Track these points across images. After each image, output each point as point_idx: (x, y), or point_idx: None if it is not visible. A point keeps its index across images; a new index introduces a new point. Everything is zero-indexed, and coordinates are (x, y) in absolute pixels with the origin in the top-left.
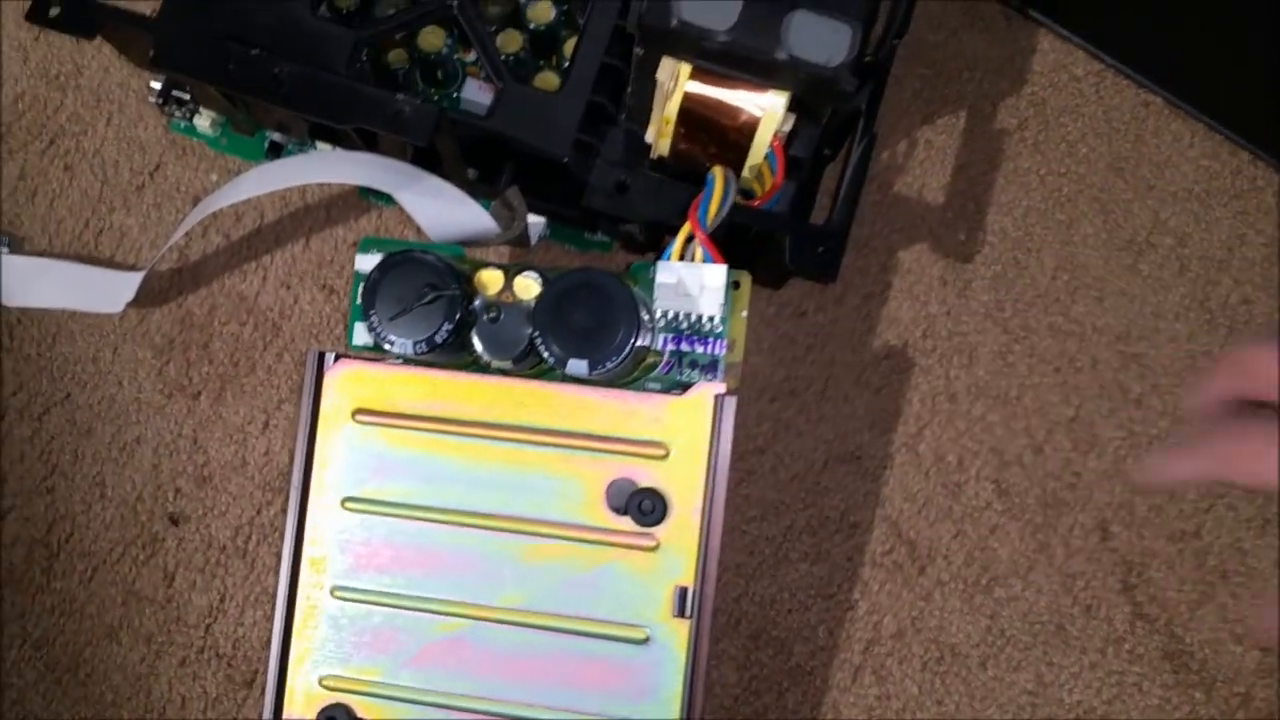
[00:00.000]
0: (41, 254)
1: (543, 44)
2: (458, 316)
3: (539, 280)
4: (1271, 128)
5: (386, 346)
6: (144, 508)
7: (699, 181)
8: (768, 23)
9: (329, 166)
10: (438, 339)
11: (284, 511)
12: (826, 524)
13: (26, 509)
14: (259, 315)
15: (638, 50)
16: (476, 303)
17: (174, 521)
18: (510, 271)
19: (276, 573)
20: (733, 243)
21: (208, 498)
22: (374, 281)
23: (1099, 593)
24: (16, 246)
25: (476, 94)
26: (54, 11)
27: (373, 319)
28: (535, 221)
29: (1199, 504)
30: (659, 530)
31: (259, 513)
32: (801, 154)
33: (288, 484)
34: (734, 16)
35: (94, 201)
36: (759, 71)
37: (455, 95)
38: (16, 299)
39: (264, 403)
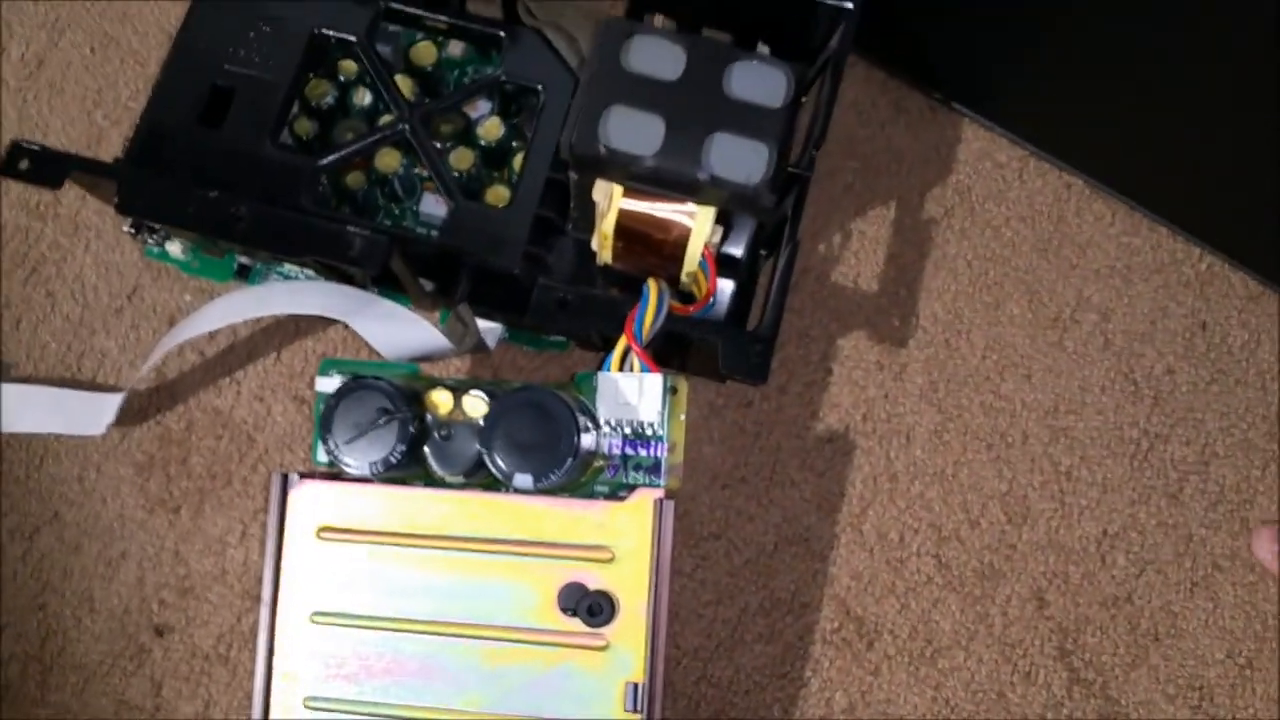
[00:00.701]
0: (27, 378)
1: (493, 158)
2: (409, 438)
3: (486, 399)
4: (1188, 204)
5: (345, 468)
6: (131, 620)
7: (639, 287)
8: (690, 145)
9: (286, 298)
10: (392, 460)
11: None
12: (779, 605)
13: (20, 625)
14: (234, 428)
15: (572, 174)
16: (428, 420)
17: (159, 632)
18: (459, 391)
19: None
20: (670, 344)
21: (190, 608)
22: (330, 409)
23: (1037, 659)
24: (5, 373)
25: (434, 207)
26: (23, 164)
27: (330, 443)
28: (493, 327)
29: (1129, 569)
30: (608, 630)
31: (239, 620)
32: (739, 253)
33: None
34: (658, 142)
35: (75, 325)
36: (685, 190)
37: (414, 209)
38: (5, 425)
39: (240, 514)
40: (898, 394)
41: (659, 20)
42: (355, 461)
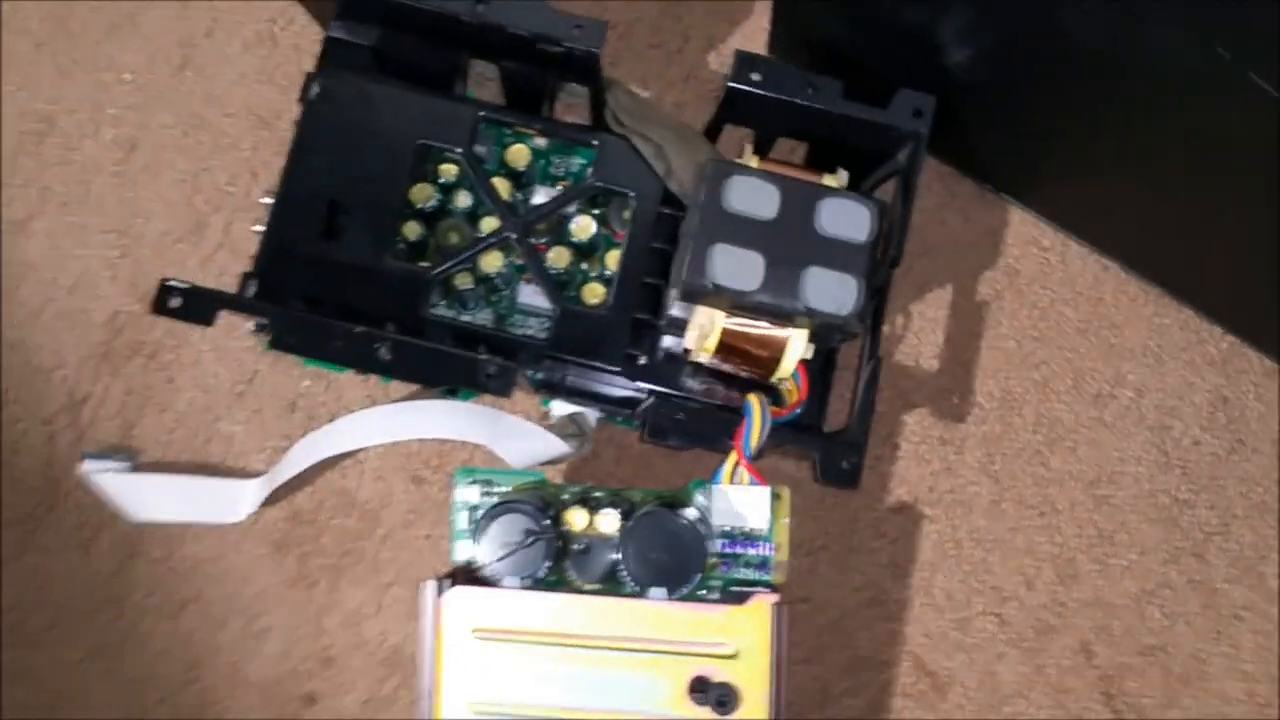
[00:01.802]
0: (157, 464)
1: (584, 254)
2: (554, 555)
3: (617, 515)
4: (1211, 289)
5: (496, 581)
6: (282, 689)
7: (734, 380)
8: (787, 280)
9: (419, 422)
10: (538, 574)
11: (402, 686)
12: (862, 662)
13: (175, 699)
14: (360, 508)
15: (677, 300)
16: (566, 534)
17: (310, 700)
18: (591, 506)
19: None
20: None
21: (335, 676)
22: (481, 528)
23: (1086, 704)
24: (135, 460)
25: (530, 296)
26: (174, 302)
27: (482, 560)
28: (590, 413)
29: (1163, 622)
30: (734, 718)
31: (380, 686)
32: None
33: (403, 663)
34: (760, 277)
35: (199, 411)
36: (782, 318)
37: (512, 299)
38: (142, 514)
39: (373, 588)
40: (959, 467)
41: (747, 150)
42: (507, 576)
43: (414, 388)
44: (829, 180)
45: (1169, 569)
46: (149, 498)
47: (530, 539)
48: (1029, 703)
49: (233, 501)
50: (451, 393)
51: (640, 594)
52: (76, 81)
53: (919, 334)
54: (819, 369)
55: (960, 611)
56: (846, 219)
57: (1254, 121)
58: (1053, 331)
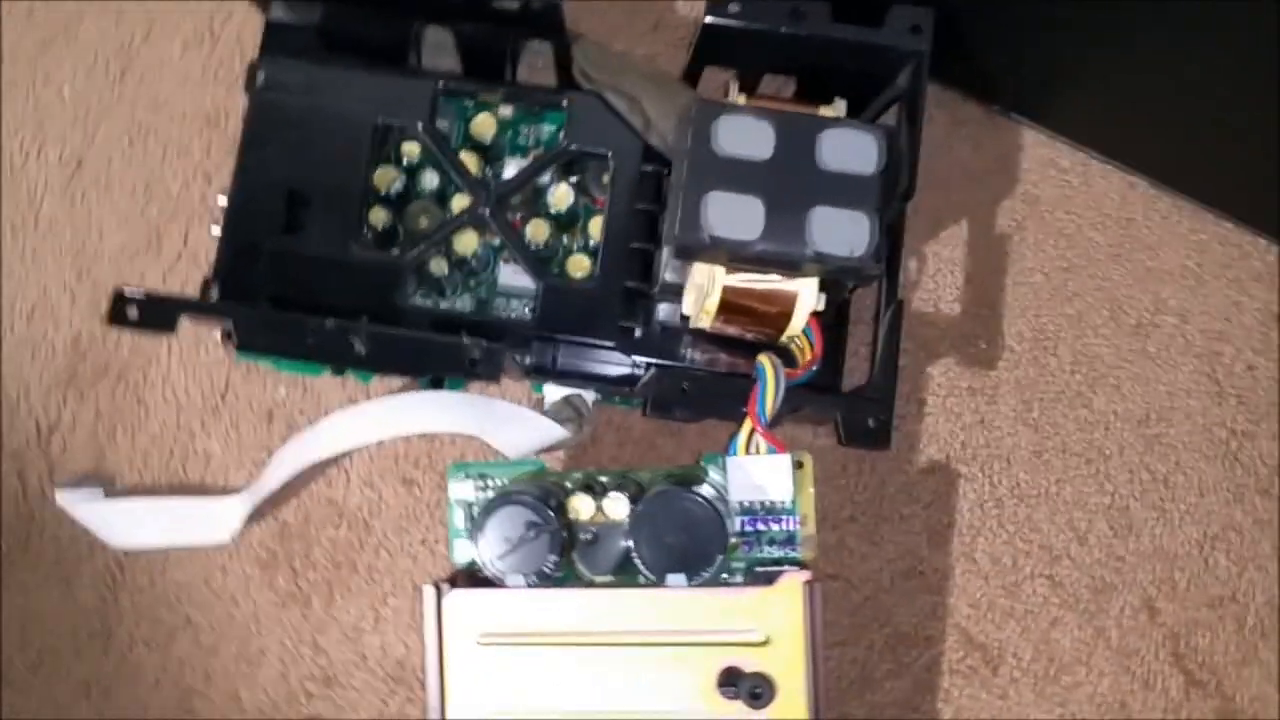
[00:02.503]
0: (134, 489)
1: (564, 225)
2: (560, 547)
3: (625, 498)
4: (1251, 197)
5: (500, 581)
6: (280, 714)
7: (739, 344)
8: (792, 224)
9: (408, 417)
10: (545, 569)
11: (409, 701)
12: (903, 640)
13: None
14: (350, 516)
15: (674, 260)
16: (572, 524)
17: None
18: (597, 492)
19: None
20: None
21: (337, 696)
22: (479, 524)
23: (1153, 666)
24: (110, 487)
25: (511, 277)
26: (132, 313)
27: (483, 558)
28: (586, 395)
29: (1231, 569)
30: (768, 711)
31: (385, 703)
32: (837, 297)
33: (408, 676)
34: (760, 225)
35: (173, 430)
36: (790, 267)
37: (492, 281)
38: (123, 541)
39: (371, 599)
40: (993, 418)
41: (732, 88)
42: (511, 575)
43: (396, 386)
44: (826, 112)
45: (1234, 510)
46: (130, 524)
47: (533, 532)
48: (1090, 670)
49: (217, 521)
50: (436, 385)
51: (657, 583)
52: (14, 102)
53: (936, 277)
54: (831, 324)
55: (1007, 576)
56: (851, 151)
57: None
58: (1082, 260)
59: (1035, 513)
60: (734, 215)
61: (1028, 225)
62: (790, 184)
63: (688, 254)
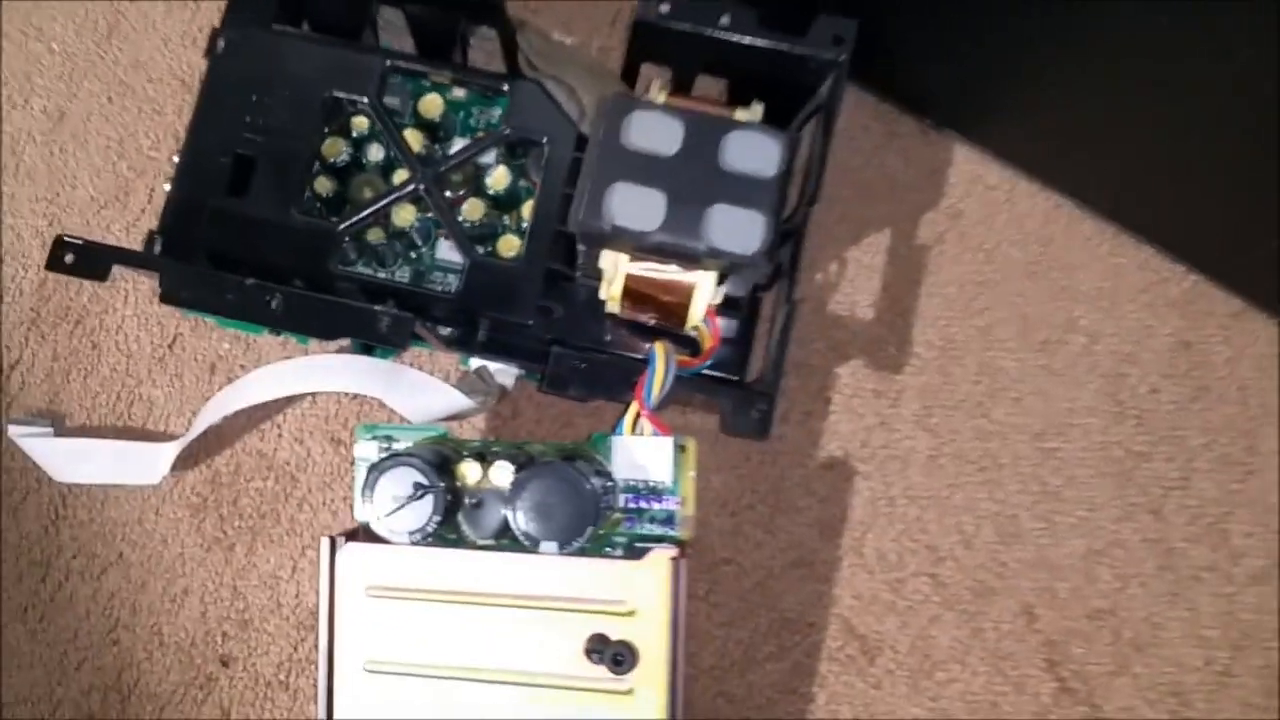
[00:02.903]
0: (82, 428)
1: (503, 204)
2: (444, 509)
3: (512, 468)
4: (1172, 225)
5: (386, 537)
6: (198, 651)
7: (650, 331)
8: (690, 219)
9: (322, 376)
10: (428, 530)
11: (316, 648)
12: (787, 624)
13: (97, 659)
14: (278, 470)
15: (580, 245)
16: (460, 489)
17: (224, 663)
18: (487, 460)
19: (315, 703)
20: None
21: (251, 639)
22: (370, 483)
23: (1027, 670)
24: (59, 424)
25: (449, 252)
26: (69, 259)
27: (372, 515)
28: (509, 370)
29: (1114, 584)
30: (632, 677)
31: (295, 649)
32: (739, 293)
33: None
34: (660, 217)
35: (122, 375)
36: (687, 259)
37: (431, 255)
38: (66, 476)
39: (290, 550)
40: (894, 420)
41: (655, 86)
42: (396, 532)
43: (333, 349)
44: (742, 115)
45: (1122, 526)
46: (72, 460)
47: (419, 493)
48: (965, 668)
49: (149, 463)
50: (368, 351)
51: (531, 549)
52: (8, 54)
53: (854, 282)
54: (742, 320)
55: (893, 572)
56: (753, 153)
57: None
58: (998, 275)
59: (925, 514)
60: (636, 206)
61: (948, 238)
62: (693, 180)
63: (590, 240)
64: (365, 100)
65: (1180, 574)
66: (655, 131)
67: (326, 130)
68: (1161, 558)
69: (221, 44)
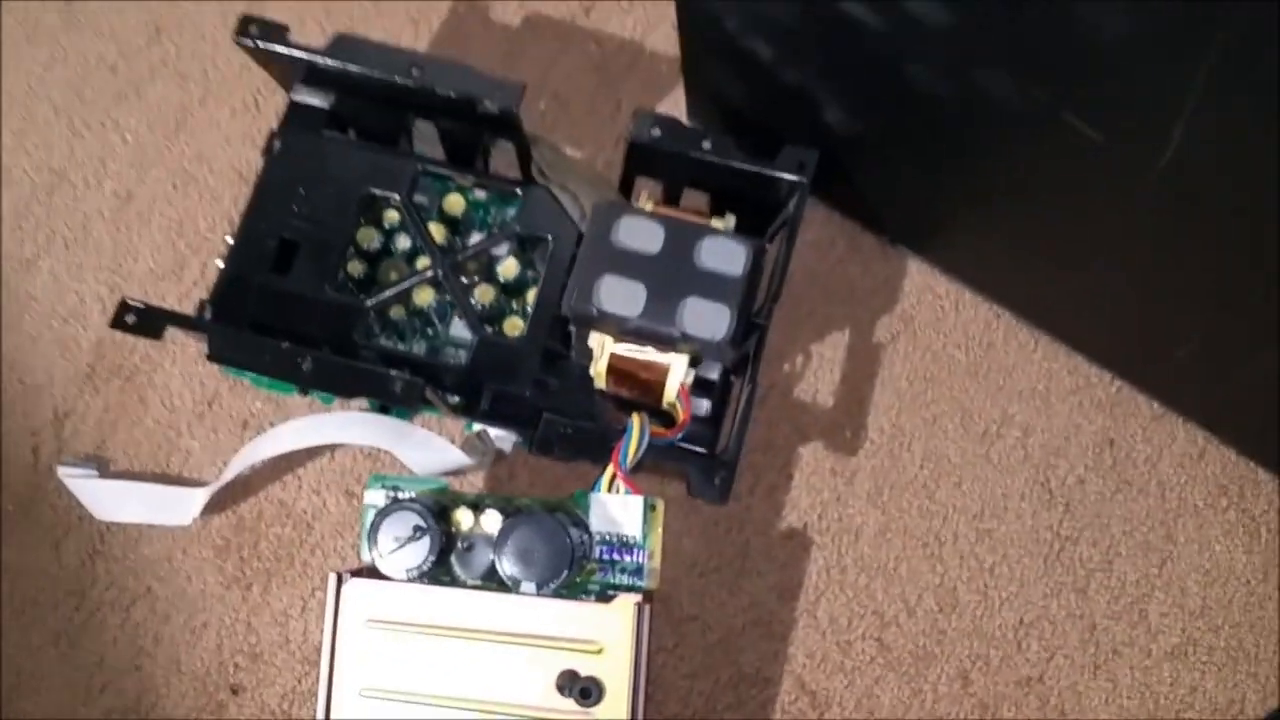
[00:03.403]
0: (124, 474)
1: (511, 291)
2: (439, 550)
3: (500, 516)
4: (1099, 336)
5: (387, 574)
6: (211, 680)
7: (632, 406)
8: (667, 308)
9: (339, 430)
10: (423, 568)
11: (318, 681)
12: (745, 679)
13: (119, 684)
14: (296, 518)
15: (571, 326)
16: (454, 533)
17: (234, 691)
18: (479, 508)
19: None
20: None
21: (260, 671)
22: (374, 525)
23: None
24: (105, 469)
25: (461, 330)
26: (130, 319)
27: (374, 553)
28: (508, 436)
29: (1041, 654)
30: (598, 710)
31: (299, 682)
32: (714, 376)
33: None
34: (641, 305)
35: (164, 428)
36: (663, 343)
37: (445, 332)
38: (106, 515)
39: (301, 591)
40: (848, 497)
41: (644, 195)
42: (395, 569)
43: (353, 408)
44: (717, 223)
45: (1049, 602)
46: (113, 501)
47: (418, 534)
48: None
49: (183, 506)
50: (384, 411)
51: (513, 589)
52: (86, 141)
53: (817, 373)
54: (716, 402)
55: (842, 635)
56: (724, 256)
57: (1084, 161)
58: (944, 373)
59: (873, 583)
60: (620, 295)
61: (901, 339)
62: (670, 276)
63: (580, 322)
64: (398, 197)
65: (1102, 648)
66: (640, 233)
67: (361, 221)
68: (1085, 632)
69: (278, 145)
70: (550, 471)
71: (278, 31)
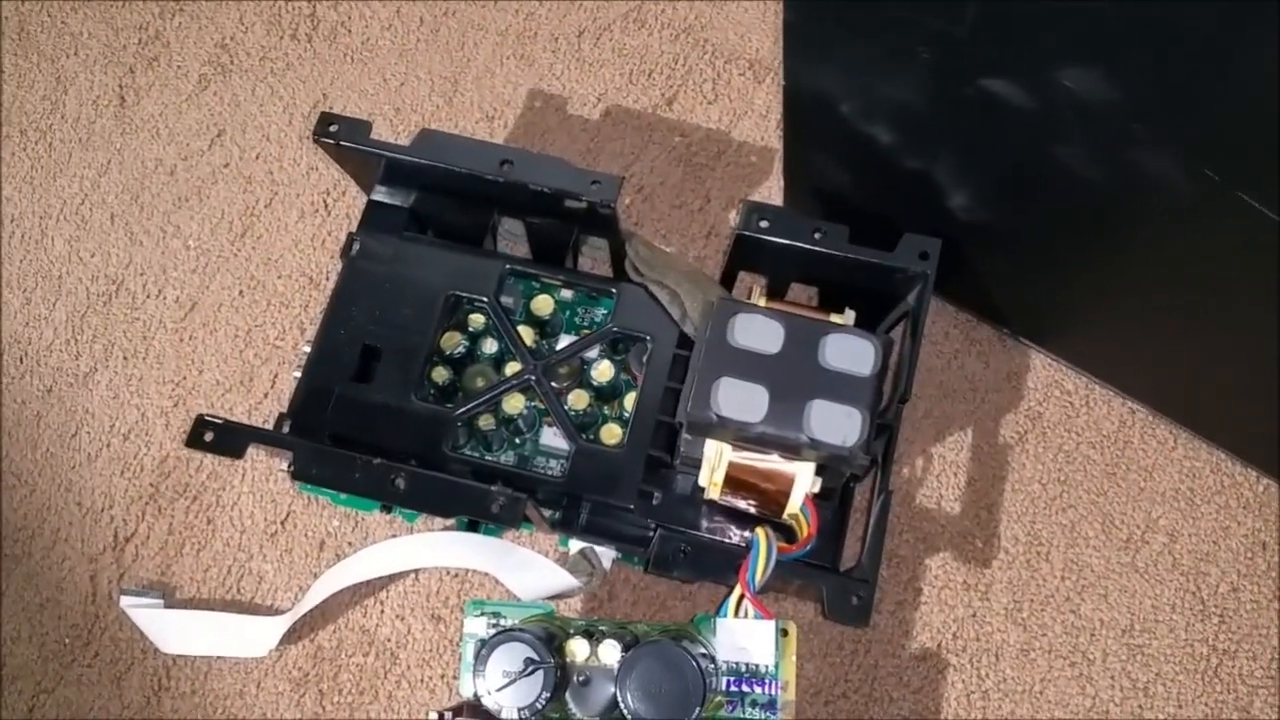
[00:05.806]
0: (192, 600)
1: (605, 396)
2: (554, 685)
3: (619, 646)
4: (1243, 432)
5: (495, 712)
6: None
7: (747, 518)
8: (791, 412)
9: (433, 552)
10: (538, 705)
11: None
12: None
13: None
14: (379, 646)
15: (686, 435)
16: (568, 665)
17: None
18: (594, 637)
19: None
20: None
21: None
22: (482, 657)
23: None
24: (170, 596)
25: (552, 438)
26: (208, 436)
27: (483, 689)
28: (607, 552)
29: None
30: None
31: None
32: (833, 483)
33: None
34: (763, 410)
35: (234, 550)
36: (788, 450)
37: (535, 440)
38: (173, 648)
39: None
40: (985, 613)
41: (755, 291)
42: (506, 707)
43: (437, 526)
44: (836, 319)
45: None
46: (180, 632)
47: (530, 668)
48: None
49: (256, 637)
50: (472, 529)
51: None
52: (145, 248)
53: (940, 477)
54: (835, 509)
55: None
56: (851, 354)
57: (1257, 245)
58: (1079, 475)
59: (1019, 708)
60: (741, 399)
61: (1029, 438)
62: (794, 377)
63: (697, 429)
64: (485, 300)
65: None
66: (759, 332)
67: (445, 325)
68: None
69: (357, 246)
70: (652, 588)
71: (360, 128)
